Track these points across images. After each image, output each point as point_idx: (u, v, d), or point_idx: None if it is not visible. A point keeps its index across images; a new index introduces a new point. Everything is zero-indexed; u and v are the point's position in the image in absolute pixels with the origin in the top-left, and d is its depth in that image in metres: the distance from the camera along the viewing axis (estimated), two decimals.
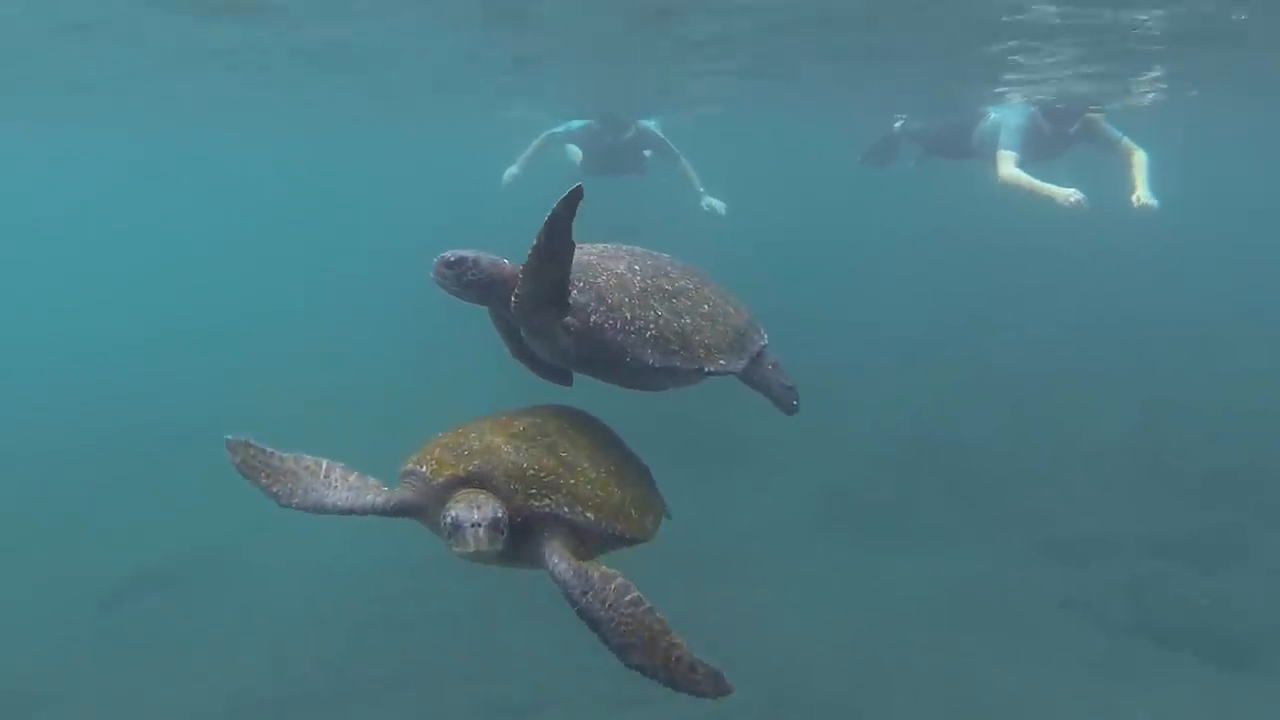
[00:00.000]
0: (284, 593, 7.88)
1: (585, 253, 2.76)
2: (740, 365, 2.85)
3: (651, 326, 2.65)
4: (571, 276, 2.54)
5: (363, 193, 34.68)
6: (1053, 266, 16.52)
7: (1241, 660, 6.78)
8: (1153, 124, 13.18)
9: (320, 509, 2.50)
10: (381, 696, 6.59)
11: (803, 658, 6.75)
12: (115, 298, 21.42)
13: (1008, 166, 7.98)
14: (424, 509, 2.48)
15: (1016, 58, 10.25)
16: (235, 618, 7.62)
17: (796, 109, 16.22)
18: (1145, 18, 8.49)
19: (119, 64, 11.00)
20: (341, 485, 2.54)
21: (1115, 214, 7.41)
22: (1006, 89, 11.97)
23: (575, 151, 11.33)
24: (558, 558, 2.34)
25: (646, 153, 11.19)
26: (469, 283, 2.64)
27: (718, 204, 10.37)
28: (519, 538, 2.38)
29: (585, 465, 2.54)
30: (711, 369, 2.75)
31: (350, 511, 2.50)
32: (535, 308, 2.57)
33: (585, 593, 2.27)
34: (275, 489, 2.53)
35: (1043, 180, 7.57)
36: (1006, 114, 8.77)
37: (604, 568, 2.32)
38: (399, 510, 2.51)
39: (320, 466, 2.59)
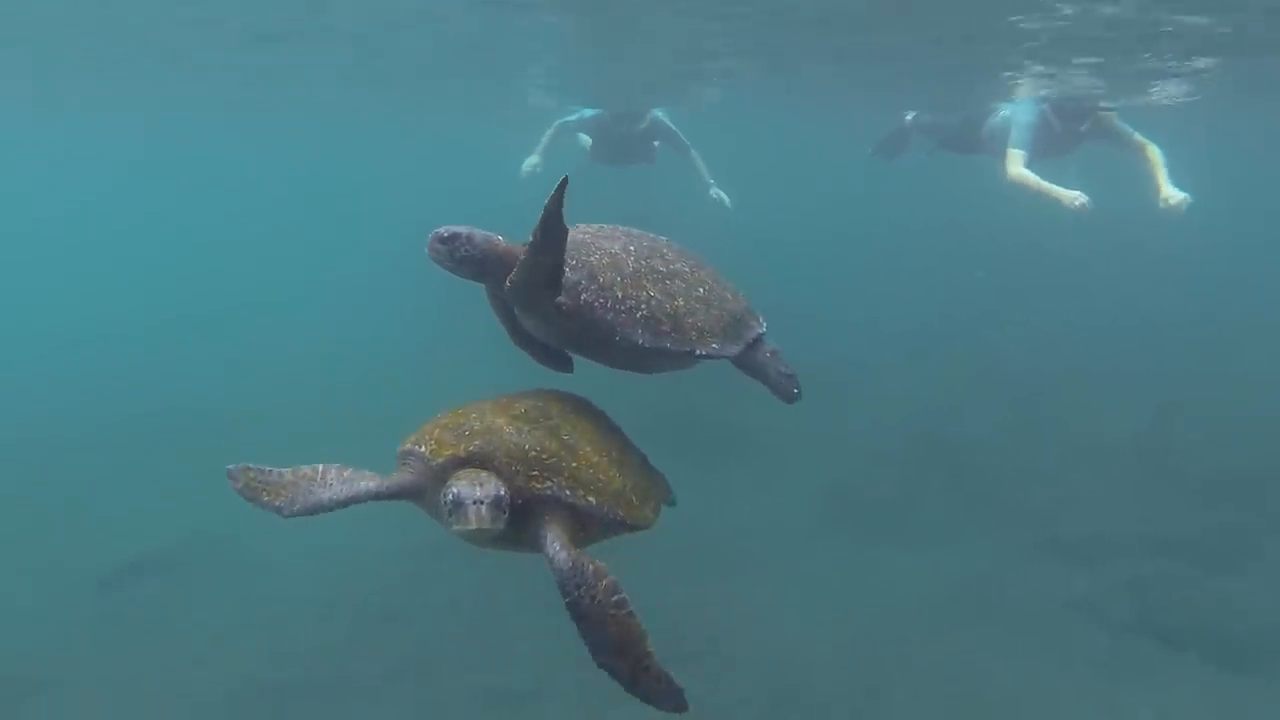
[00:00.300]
0: (284, 579, 7.87)
1: (581, 231, 2.72)
2: (734, 350, 2.80)
3: (643, 307, 2.61)
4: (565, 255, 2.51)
5: (366, 182, 34.65)
6: (1064, 264, 16.38)
7: (1245, 661, 6.73)
8: (1175, 122, 13.08)
9: (318, 508, 2.48)
10: (381, 684, 6.59)
11: (803, 654, 6.71)
12: (118, 285, 21.39)
13: (1016, 166, 7.93)
14: (422, 490, 2.45)
15: (1029, 61, 10.17)
16: (235, 604, 7.61)
17: (800, 106, 16.15)
18: (1170, 28, 8.40)
19: (121, 64, 11.01)
20: (336, 481, 2.52)
21: (1131, 213, 7.34)
22: (1018, 82, 11.88)
23: (585, 140, 11.30)
24: (558, 545, 2.31)
25: (656, 143, 11.15)
26: (462, 258, 2.62)
27: (725, 196, 10.36)
28: (518, 520, 2.35)
29: (587, 449, 2.52)
30: (703, 352, 2.71)
31: (346, 503, 2.48)
32: (531, 291, 2.55)
33: (578, 586, 2.25)
34: (277, 503, 2.51)
35: (1052, 180, 7.52)
36: (1017, 110, 8.71)
37: (598, 563, 2.30)
38: (396, 493, 2.48)
39: (317, 471, 2.57)
